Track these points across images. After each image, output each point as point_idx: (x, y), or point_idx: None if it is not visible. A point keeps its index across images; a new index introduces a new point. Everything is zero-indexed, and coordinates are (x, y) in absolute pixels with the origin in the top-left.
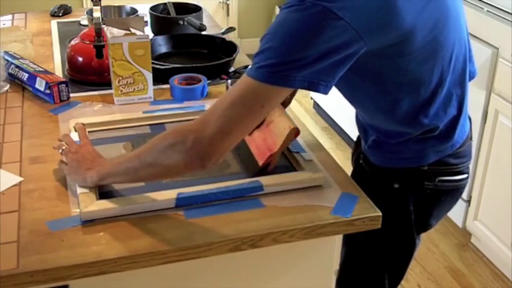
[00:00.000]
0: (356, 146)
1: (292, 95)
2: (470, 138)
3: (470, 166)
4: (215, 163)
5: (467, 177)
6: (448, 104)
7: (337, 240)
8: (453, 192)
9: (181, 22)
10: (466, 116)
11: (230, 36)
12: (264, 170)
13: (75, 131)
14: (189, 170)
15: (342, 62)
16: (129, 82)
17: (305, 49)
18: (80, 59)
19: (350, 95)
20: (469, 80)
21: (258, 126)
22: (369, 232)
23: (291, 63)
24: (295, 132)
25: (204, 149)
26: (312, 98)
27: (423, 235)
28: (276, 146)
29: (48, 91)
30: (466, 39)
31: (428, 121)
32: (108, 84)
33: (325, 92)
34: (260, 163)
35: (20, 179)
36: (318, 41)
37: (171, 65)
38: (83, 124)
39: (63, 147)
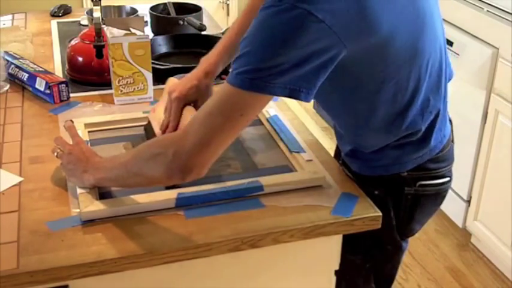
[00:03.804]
0: (337, 151)
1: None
2: (452, 141)
3: (471, 166)
4: (196, 176)
5: (449, 181)
6: (425, 110)
7: (337, 240)
8: (435, 196)
9: (181, 22)
10: (444, 120)
11: None
12: None
13: (65, 129)
14: (170, 182)
15: (323, 67)
16: (129, 82)
17: (285, 54)
18: (80, 59)
19: (326, 104)
20: (447, 82)
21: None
22: (352, 238)
23: (270, 68)
24: None
25: (184, 162)
26: None
27: (410, 239)
28: None
29: (48, 91)
30: (442, 44)
31: (405, 128)
32: (108, 84)
33: (307, 100)
34: None
35: (20, 179)
36: (298, 44)
37: (171, 65)
38: (72, 121)
39: (57, 151)
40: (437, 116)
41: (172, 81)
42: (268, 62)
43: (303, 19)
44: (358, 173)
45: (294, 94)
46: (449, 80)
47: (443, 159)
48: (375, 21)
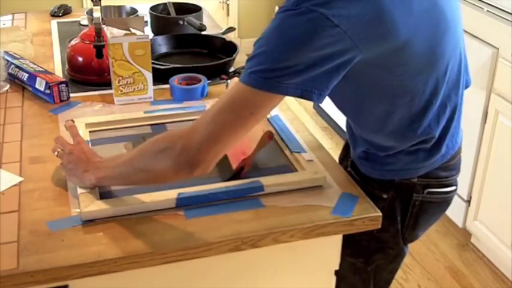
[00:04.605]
0: (344, 150)
1: None
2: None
3: (471, 166)
4: (204, 171)
5: (455, 190)
6: (441, 115)
7: (337, 240)
8: (441, 204)
9: (181, 22)
10: (458, 127)
11: (230, 36)
12: (238, 174)
13: (66, 129)
14: (178, 176)
15: (336, 70)
16: (129, 82)
17: (299, 55)
18: (80, 59)
19: (342, 105)
20: (464, 89)
21: None
22: (355, 241)
23: (284, 69)
24: (269, 135)
25: (192, 156)
26: None
27: (411, 244)
28: (250, 149)
29: (48, 91)
30: (462, 50)
31: (420, 133)
32: (108, 84)
33: (319, 101)
34: (234, 167)
35: (20, 179)
36: (312, 47)
37: (171, 65)
38: (73, 121)
39: (58, 150)
40: (451, 121)
41: (235, 81)
42: (283, 62)
43: (319, 23)
44: (367, 175)
45: (306, 95)
46: (466, 87)
47: (453, 168)
48: (393, 26)
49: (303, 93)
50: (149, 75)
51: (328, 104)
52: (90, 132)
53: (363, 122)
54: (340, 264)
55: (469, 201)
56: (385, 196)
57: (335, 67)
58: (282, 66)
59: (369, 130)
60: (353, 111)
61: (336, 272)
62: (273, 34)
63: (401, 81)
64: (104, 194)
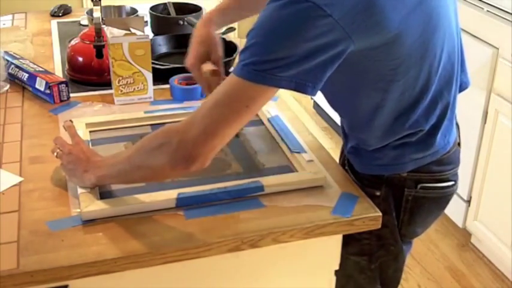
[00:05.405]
0: (342, 152)
1: None
2: (458, 145)
3: (471, 166)
4: (201, 166)
5: (453, 185)
6: (432, 111)
7: (337, 240)
8: (438, 200)
9: (181, 22)
10: (451, 126)
11: (230, 36)
12: None
13: (65, 129)
14: (175, 172)
15: (329, 61)
16: (129, 82)
17: (291, 46)
18: (80, 59)
19: (332, 97)
20: (461, 91)
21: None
22: (357, 239)
23: (277, 61)
24: (211, 73)
25: (189, 151)
26: (312, 98)
27: (415, 240)
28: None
29: (48, 91)
30: (457, 48)
31: (408, 126)
32: (108, 84)
33: (313, 94)
34: None
35: (20, 179)
36: (305, 38)
37: (171, 65)
38: (71, 121)
39: (57, 151)
40: (443, 119)
41: None
42: (275, 54)
43: (311, 12)
44: (359, 172)
45: (300, 88)
46: (465, 88)
47: (447, 162)
48: (384, 18)
49: (296, 86)
50: (149, 75)
51: (328, 104)
52: (90, 132)
53: (352, 115)
54: (345, 264)
55: (469, 201)
56: (378, 193)
57: (329, 58)
58: (274, 57)
59: (358, 123)
60: (343, 103)
61: (342, 273)
62: (264, 25)
63: (392, 75)
64: (104, 194)
